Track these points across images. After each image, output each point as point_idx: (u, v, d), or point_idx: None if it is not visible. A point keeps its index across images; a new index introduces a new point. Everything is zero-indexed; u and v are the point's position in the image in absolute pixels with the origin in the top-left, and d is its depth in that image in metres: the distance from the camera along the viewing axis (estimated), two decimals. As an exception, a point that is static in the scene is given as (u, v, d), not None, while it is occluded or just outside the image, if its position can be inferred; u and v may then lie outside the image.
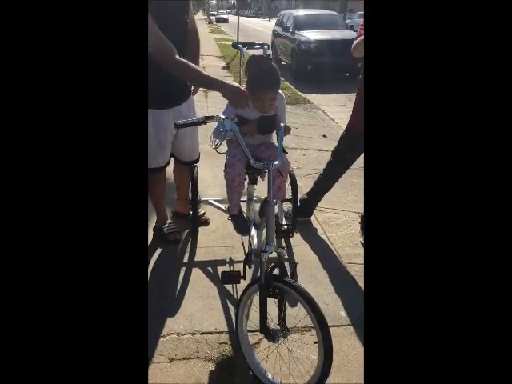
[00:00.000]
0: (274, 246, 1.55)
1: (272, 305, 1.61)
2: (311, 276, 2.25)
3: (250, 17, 58.75)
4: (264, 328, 1.54)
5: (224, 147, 1.59)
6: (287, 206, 2.80)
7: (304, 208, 2.77)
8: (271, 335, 1.53)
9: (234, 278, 1.74)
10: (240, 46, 2.24)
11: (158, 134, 2.19)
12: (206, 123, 1.54)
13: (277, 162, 1.61)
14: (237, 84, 1.82)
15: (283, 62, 10.98)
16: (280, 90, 1.93)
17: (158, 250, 2.42)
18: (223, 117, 1.53)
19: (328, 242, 2.60)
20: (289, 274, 2.22)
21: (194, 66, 1.88)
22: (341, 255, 2.46)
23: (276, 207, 2.62)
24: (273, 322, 1.60)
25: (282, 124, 1.73)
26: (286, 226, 1.92)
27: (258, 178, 2.01)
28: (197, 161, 2.51)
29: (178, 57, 1.87)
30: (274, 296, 1.51)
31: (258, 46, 2.34)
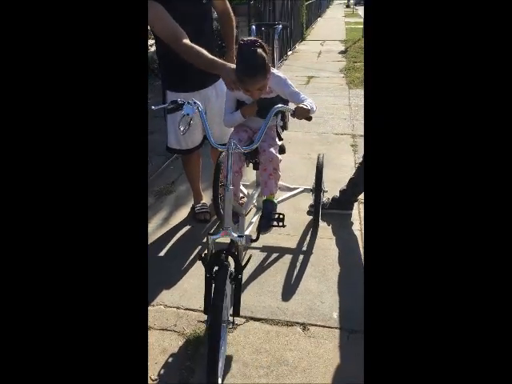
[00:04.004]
0: (231, 230, 1.52)
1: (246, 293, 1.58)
2: (321, 271, 2.12)
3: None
4: (206, 311, 1.52)
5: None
6: (327, 197, 2.67)
7: (343, 200, 2.59)
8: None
9: None
10: (253, 27, 2.17)
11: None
12: (178, 109, 1.56)
13: (245, 147, 1.56)
14: (233, 66, 1.79)
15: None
16: (277, 71, 1.83)
17: (186, 227, 2.56)
18: (184, 101, 1.55)
19: (359, 239, 2.39)
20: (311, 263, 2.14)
21: (198, 49, 1.91)
22: (366, 254, 2.25)
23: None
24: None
25: (276, 106, 1.61)
26: (276, 215, 1.84)
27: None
28: (229, 144, 2.55)
29: (185, 40, 1.92)
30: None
31: (277, 25, 2.24)
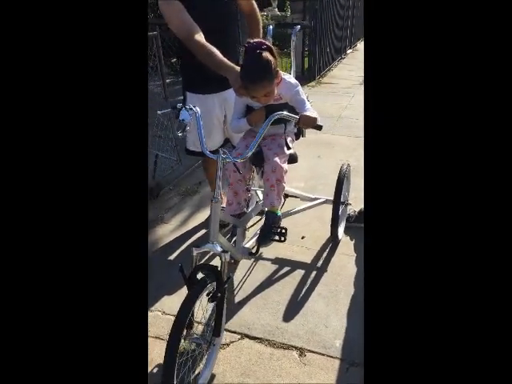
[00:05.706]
0: (216, 244, 1.43)
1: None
2: (332, 291, 1.95)
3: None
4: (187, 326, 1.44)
5: None
6: (352, 209, 2.48)
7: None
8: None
9: None
10: (270, 27, 2.03)
11: (202, 119, 2.23)
12: (178, 113, 1.50)
13: (237, 157, 1.45)
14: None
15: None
16: (289, 77, 1.69)
17: (203, 231, 2.50)
18: (181, 107, 1.48)
19: (382, 258, 2.18)
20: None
21: (210, 48, 1.82)
22: (386, 276, 2.04)
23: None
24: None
25: (276, 113, 1.50)
26: (278, 229, 1.70)
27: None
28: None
29: (198, 37, 1.84)
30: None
31: (298, 26, 2.08)
